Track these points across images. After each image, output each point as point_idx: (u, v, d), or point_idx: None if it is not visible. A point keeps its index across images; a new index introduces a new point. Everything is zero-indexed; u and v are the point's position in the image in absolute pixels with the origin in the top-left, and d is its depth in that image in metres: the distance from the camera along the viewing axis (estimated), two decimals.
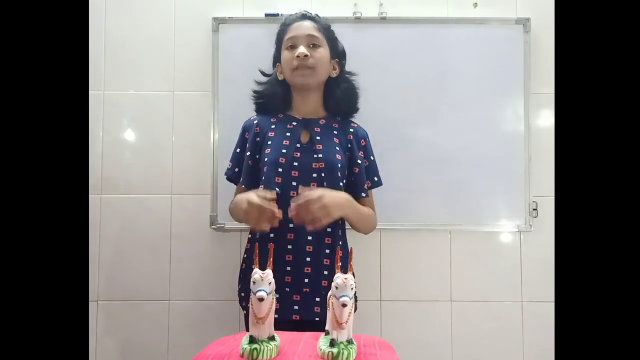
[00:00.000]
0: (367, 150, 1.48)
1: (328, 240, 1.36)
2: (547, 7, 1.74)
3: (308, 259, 1.34)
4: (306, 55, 1.40)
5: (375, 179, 1.47)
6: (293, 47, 1.43)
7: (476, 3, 1.81)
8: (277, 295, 1.28)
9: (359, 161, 1.44)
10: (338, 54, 1.50)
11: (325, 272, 1.34)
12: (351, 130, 1.47)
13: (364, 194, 1.42)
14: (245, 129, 1.49)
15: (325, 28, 1.47)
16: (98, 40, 1.81)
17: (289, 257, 1.34)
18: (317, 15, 1.49)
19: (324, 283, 1.33)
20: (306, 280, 1.33)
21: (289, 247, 1.34)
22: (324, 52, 1.44)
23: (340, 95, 1.48)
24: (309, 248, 1.34)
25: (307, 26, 1.44)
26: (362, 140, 1.47)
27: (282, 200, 1.32)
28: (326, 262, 1.35)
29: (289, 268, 1.33)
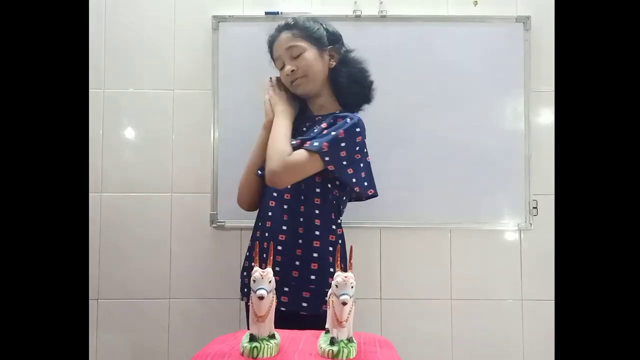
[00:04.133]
0: (336, 124, 1.35)
1: (332, 237, 1.37)
2: (547, 5, 1.75)
3: (315, 255, 1.34)
4: (293, 71, 1.41)
5: (316, 143, 1.31)
6: (282, 66, 1.45)
7: (476, 1, 1.81)
8: (287, 289, 1.31)
9: (316, 129, 1.37)
10: (330, 40, 1.45)
11: (331, 270, 1.34)
12: (341, 115, 1.39)
13: (293, 142, 1.35)
14: None
15: (303, 28, 1.43)
16: (98, 39, 1.81)
17: (298, 252, 1.35)
18: (291, 19, 1.46)
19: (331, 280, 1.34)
20: (312, 277, 1.33)
21: (300, 241, 1.35)
22: (308, 55, 1.41)
23: (345, 83, 1.44)
24: (316, 243, 1.35)
25: (284, 39, 1.43)
26: (341, 119, 1.36)
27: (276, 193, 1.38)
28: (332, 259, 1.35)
29: (297, 263, 1.34)
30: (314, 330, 1.02)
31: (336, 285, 0.87)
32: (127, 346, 1.78)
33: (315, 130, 1.38)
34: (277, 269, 1.33)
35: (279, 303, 1.31)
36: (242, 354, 0.86)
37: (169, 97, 1.82)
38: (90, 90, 1.79)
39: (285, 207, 1.37)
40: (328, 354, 0.86)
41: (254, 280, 0.86)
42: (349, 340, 0.89)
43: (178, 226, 1.79)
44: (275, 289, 1.30)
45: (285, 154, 1.33)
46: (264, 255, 1.34)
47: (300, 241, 1.35)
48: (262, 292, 0.85)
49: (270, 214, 1.39)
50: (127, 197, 1.80)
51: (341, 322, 0.87)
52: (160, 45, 1.82)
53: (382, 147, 1.65)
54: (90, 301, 1.77)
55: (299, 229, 1.36)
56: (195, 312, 1.78)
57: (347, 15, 1.80)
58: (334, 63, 1.46)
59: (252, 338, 0.87)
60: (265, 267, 0.87)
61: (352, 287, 0.87)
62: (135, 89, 1.82)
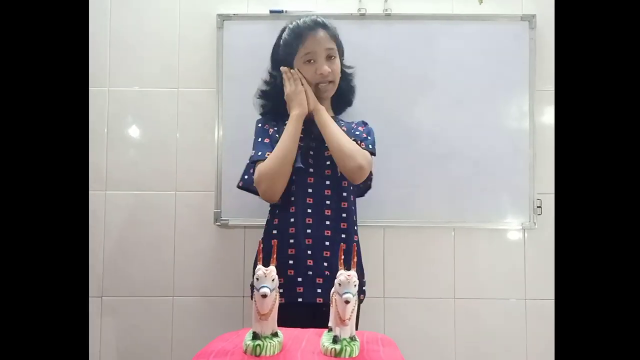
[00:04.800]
0: (365, 128, 1.49)
1: (343, 235, 1.40)
2: (552, 3, 1.73)
3: (327, 243, 1.38)
4: (329, 72, 1.42)
5: (370, 146, 1.43)
6: (311, 61, 1.41)
7: None
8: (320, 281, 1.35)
9: (357, 132, 1.45)
10: (342, 53, 1.50)
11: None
12: (362, 121, 1.52)
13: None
14: (264, 122, 1.49)
15: (335, 35, 1.45)
16: (103, 37, 1.82)
17: (308, 241, 1.38)
18: (325, 20, 1.44)
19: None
20: (325, 264, 1.37)
21: (308, 231, 1.38)
22: (338, 61, 1.45)
23: (340, 94, 1.51)
24: (327, 233, 1.39)
25: (323, 38, 1.41)
26: (364, 123, 1.51)
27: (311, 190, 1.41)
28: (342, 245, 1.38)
29: (309, 252, 1.37)
30: (317, 329, 1.02)
31: (339, 284, 0.87)
32: (131, 343, 1.78)
33: (357, 133, 1.44)
34: (326, 264, 1.37)
35: (316, 295, 1.35)
36: (245, 352, 0.86)
37: (174, 95, 1.82)
38: (94, 88, 1.79)
39: (328, 202, 1.40)
40: (331, 352, 0.86)
41: (257, 279, 0.87)
42: (352, 338, 0.89)
43: (182, 224, 1.80)
44: (309, 285, 1.32)
45: (363, 150, 1.39)
46: (309, 252, 1.37)
47: (343, 236, 1.39)
48: (265, 290, 0.85)
49: (309, 210, 1.40)
50: (132, 195, 1.80)
51: (344, 321, 0.87)
52: (165, 44, 1.83)
53: (386, 145, 1.64)
54: (94, 299, 1.78)
55: (342, 224, 1.40)
56: (198, 309, 1.78)
57: (351, 14, 1.79)
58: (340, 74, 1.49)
59: (255, 336, 0.87)
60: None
61: (355, 285, 0.87)
62: (140, 87, 1.82)
